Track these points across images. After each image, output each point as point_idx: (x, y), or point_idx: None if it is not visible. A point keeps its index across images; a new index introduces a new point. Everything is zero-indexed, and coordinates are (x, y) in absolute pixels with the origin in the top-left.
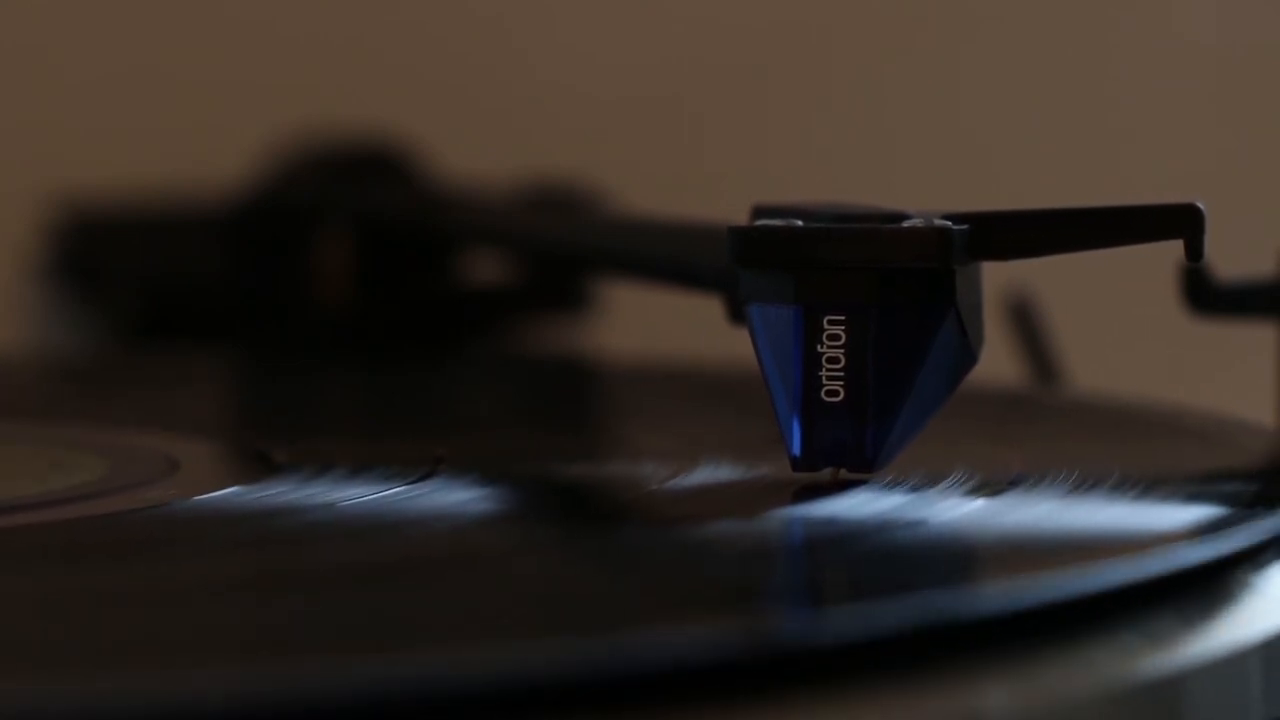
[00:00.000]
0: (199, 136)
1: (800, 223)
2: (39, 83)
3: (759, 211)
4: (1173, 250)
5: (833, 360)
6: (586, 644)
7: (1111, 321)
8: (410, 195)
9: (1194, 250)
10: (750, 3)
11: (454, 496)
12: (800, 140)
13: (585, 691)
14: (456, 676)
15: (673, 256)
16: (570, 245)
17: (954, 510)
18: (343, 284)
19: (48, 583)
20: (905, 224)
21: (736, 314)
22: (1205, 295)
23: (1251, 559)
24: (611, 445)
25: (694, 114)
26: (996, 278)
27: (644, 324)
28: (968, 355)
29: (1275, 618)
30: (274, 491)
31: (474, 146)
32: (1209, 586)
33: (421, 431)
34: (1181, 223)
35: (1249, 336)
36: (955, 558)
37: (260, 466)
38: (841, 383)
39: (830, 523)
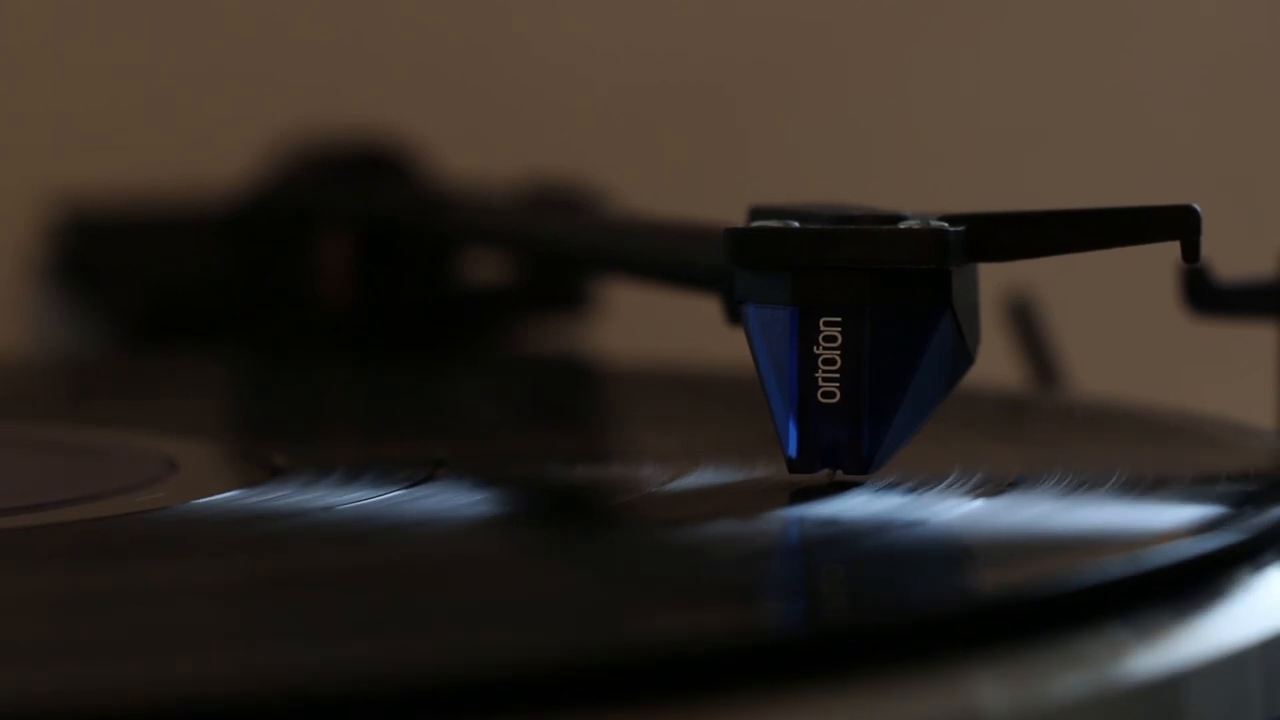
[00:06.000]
0: (198, 136)
1: (797, 224)
2: (39, 82)
3: (756, 212)
4: (1173, 250)
5: (829, 361)
6: (586, 643)
7: (1111, 322)
8: (410, 195)
9: (1190, 251)
10: (751, 3)
11: (454, 498)
12: (798, 141)
13: (585, 691)
14: (457, 677)
15: (671, 257)
16: (570, 245)
17: (953, 510)
18: (343, 284)
19: (47, 584)
20: (902, 225)
21: (733, 315)
22: (1205, 295)
23: (1250, 559)
24: (611, 446)
25: (693, 115)
26: (996, 278)
27: (644, 324)
28: (965, 356)
29: (1275, 618)
30: (274, 494)
31: (474, 146)
32: (1208, 587)
33: (421, 432)
34: (1178, 224)
35: (1249, 336)
36: (953, 557)
37: (260, 468)
38: (837, 384)
39: (828, 523)
